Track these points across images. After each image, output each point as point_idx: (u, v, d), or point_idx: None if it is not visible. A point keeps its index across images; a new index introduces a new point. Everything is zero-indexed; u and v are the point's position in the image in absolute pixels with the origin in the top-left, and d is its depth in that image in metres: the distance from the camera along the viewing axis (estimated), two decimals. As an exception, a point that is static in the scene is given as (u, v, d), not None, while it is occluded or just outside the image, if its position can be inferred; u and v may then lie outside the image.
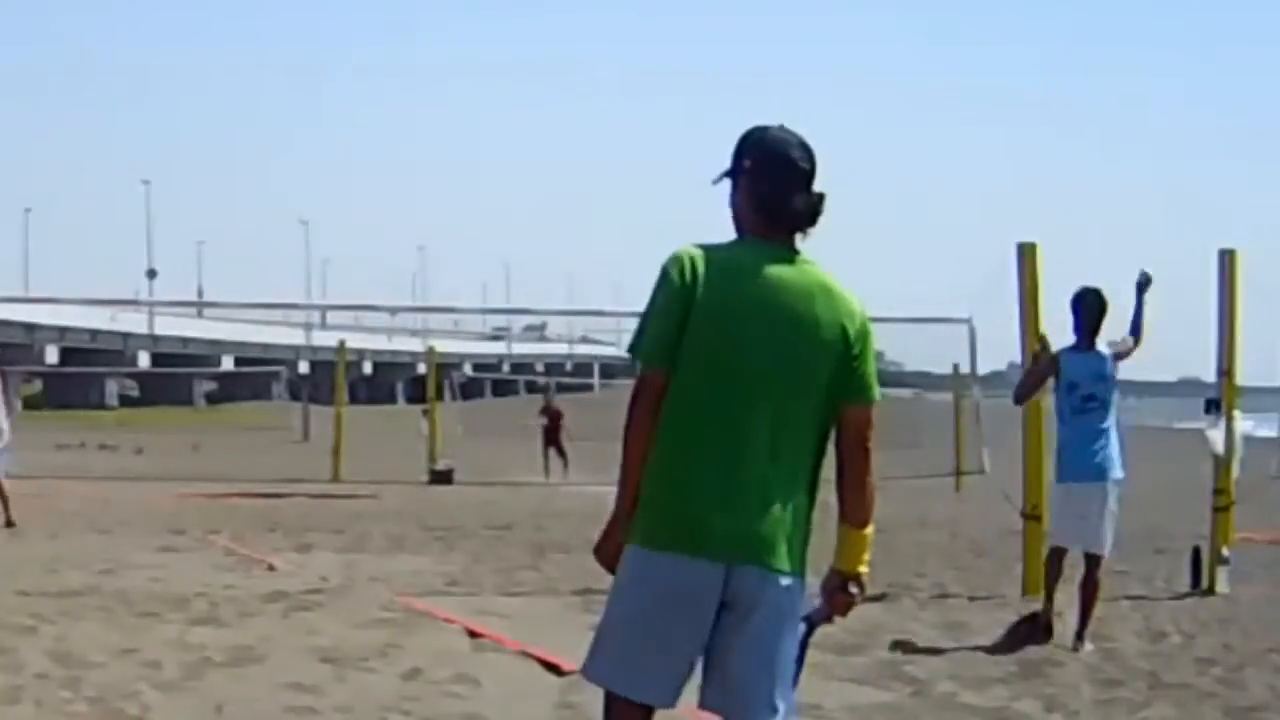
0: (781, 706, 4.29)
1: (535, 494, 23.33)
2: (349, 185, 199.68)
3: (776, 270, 4.16)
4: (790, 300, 4.15)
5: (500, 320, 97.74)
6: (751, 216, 4.24)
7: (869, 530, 4.28)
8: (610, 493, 4.29)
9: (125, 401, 74.58)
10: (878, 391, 4.25)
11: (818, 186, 4.23)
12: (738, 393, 4.11)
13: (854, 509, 4.25)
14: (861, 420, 4.21)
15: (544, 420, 30.11)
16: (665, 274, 4.16)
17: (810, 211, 4.21)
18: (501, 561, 13.45)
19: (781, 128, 4.28)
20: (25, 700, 7.26)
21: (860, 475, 4.23)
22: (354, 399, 50.05)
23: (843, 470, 4.24)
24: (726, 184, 4.30)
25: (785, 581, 4.16)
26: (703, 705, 4.24)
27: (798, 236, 4.23)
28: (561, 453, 29.34)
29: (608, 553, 4.23)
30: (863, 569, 4.32)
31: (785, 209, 4.19)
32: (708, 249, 4.20)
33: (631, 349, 4.20)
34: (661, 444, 4.14)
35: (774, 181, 4.20)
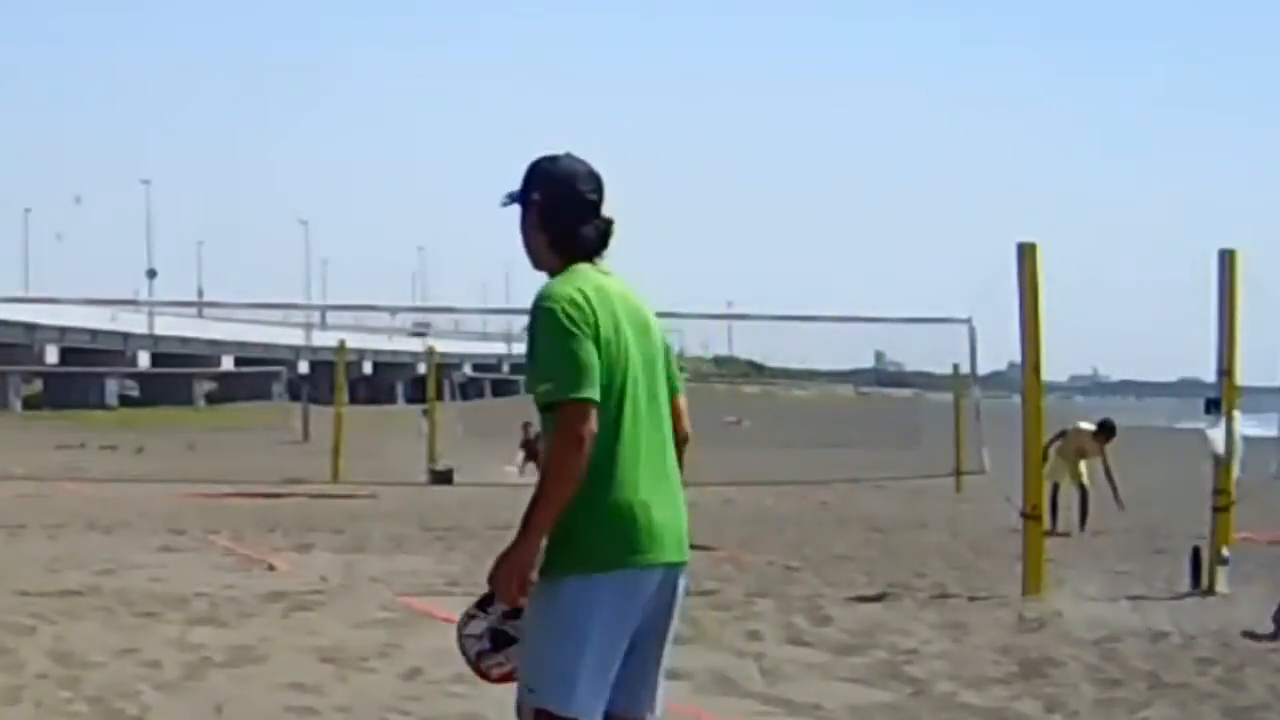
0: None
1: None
2: (349, 185, 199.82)
3: (618, 289, 4.31)
4: (635, 313, 4.32)
5: (420, 316, 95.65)
6: (546, 250, 4.32)
7: None
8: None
9: (125, 401, 74.49)
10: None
11: (606, 210, 4.35)
12: (636, 409, 4.25)
13: None
14: (681, 408, 4.49)
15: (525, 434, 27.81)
16: (567, 316, 4.14)
17: (602, 238, 4.34)
18: (501, 561, 13.42)
19: (569, 156, 4.38)
20: (25, 700, 7.26)
21: (681, 461, 4.44)
22: (354, 399, 50.03)
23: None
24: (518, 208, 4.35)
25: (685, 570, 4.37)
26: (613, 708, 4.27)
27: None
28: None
29: (519, 584, 4.15)
30: None
31: (577, 240, 4.30)
32: (575, 282, 4.23)
33: (566, 391, 4.09)
34: (589, 473, 4.17)
35: (564, 214, 4.30)
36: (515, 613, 4.32)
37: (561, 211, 4.30)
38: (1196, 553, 11.92)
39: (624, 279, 4.38)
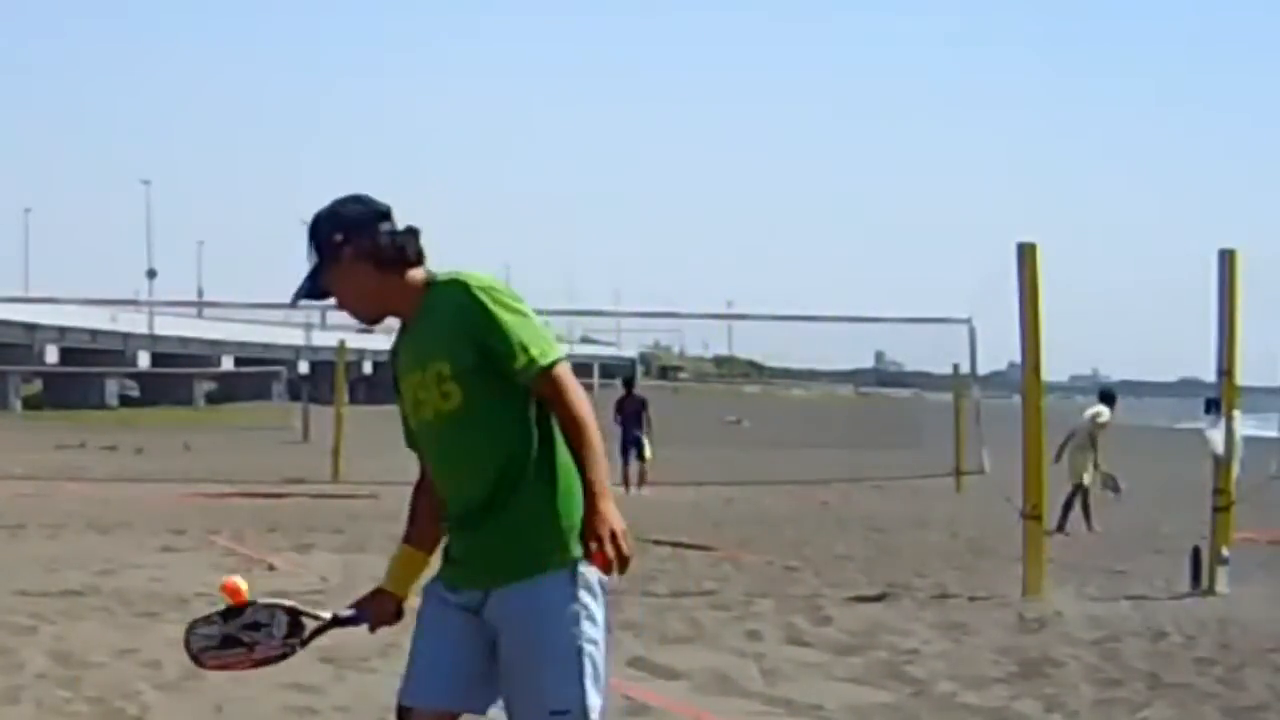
0: None
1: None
2: (349, 185, 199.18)
3: None
4: None
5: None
6: (382, 278, 4.05)
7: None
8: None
9: (125, 401, 74.41)
10: None
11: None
12: None
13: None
14: None
15: None
16: (511, 290, 4.01)
17: (417, 242, 4.11)
18: (501, 561, 13.42)
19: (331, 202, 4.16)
20: (25, 700, 7.26)
21: None
22: (354, 399, 49.95)
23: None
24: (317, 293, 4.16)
25: None
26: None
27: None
28: None
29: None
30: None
31: (404, 247, 4.05)
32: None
33: (553, 353, 3.93)
34: (562, 458, 3.98)
35: (377, 232, 4.04)
36: (255, 625, 4.22)
37: (373, 231, 4.04)
38: (1196, 553, 11.92)
39: None
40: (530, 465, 3.95)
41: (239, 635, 4.24)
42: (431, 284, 4.06)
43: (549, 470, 3.93)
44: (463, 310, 3.95)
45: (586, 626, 3.91)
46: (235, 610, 4.25)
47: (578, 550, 3.88)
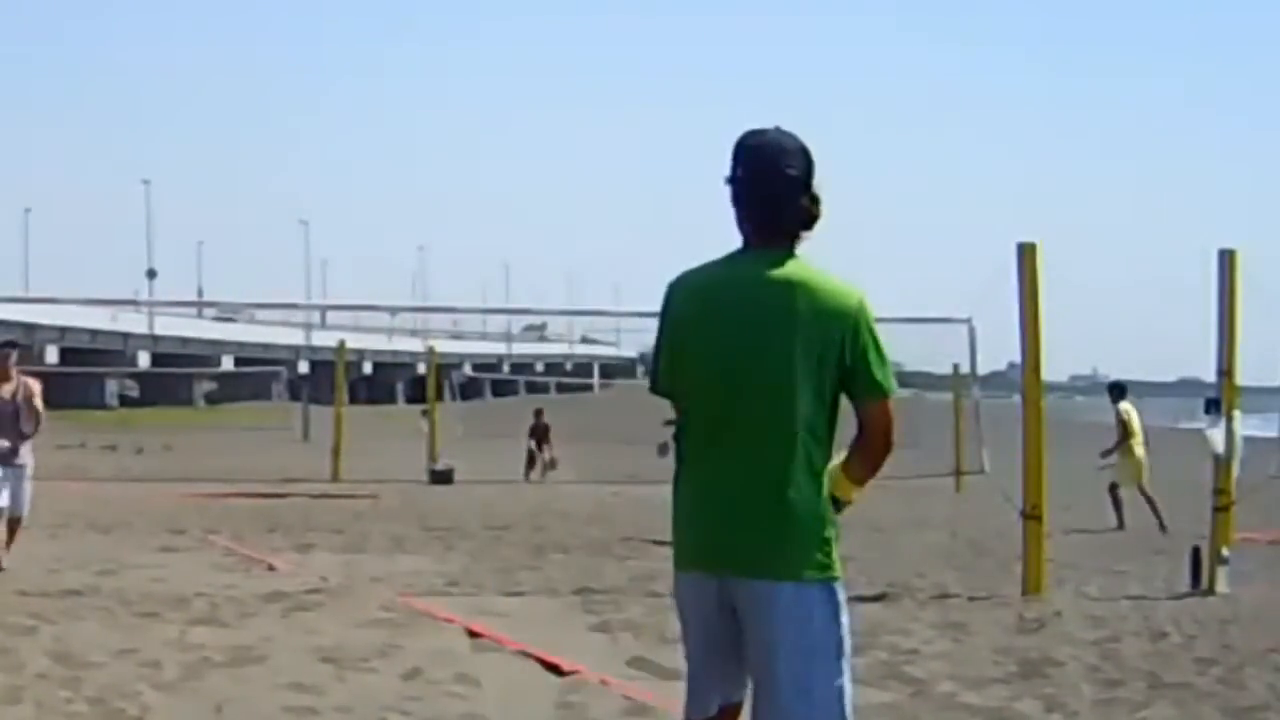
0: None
1: (535, 494, 23.27)
2: (349, 185, 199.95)
3: (752, 277, 4.10)
4: (764, 305, 4.07)
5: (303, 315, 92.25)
6: (744, 225, 4.17)
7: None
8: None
9: (125, 401, 74.39)
10: (891, 385, 4.10)
11: (818, 184, 4.13)
12: (722, 406, 4.10)
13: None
14: (873, 415, 4.12)
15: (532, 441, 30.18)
16: (662, 306, 4.27)
17: (806, 218, 4.13)
18: (501, 561, 13.45)
19: (777, 130, 4.15)
20: (25, 700, 7.26)
21: (864, 467, 4.18)
22: (354, 399, 49.98)
23: (851, 456, 4.17)
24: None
25: (793, 589, 4.05)
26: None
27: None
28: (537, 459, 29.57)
29: None
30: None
31: (774, 219, 4.11)
32: (690, 272, 4.24)
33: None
34: (679, 468, 4.29)
35: (762, 191, 4.11)
36: None
37: (761, 188, 4.13)
38: (1196, 553, 11.91)
39: (805, 268, 4.10)
40: None
41: None
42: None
43: None
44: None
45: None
46: None
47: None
